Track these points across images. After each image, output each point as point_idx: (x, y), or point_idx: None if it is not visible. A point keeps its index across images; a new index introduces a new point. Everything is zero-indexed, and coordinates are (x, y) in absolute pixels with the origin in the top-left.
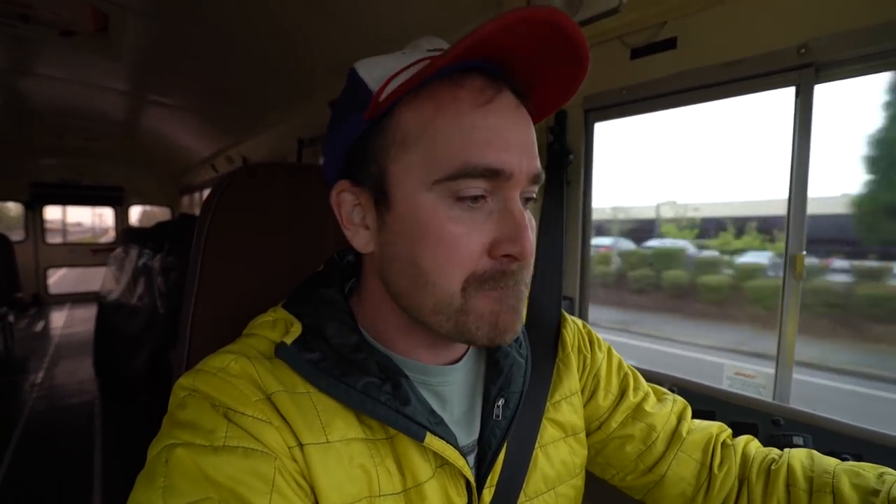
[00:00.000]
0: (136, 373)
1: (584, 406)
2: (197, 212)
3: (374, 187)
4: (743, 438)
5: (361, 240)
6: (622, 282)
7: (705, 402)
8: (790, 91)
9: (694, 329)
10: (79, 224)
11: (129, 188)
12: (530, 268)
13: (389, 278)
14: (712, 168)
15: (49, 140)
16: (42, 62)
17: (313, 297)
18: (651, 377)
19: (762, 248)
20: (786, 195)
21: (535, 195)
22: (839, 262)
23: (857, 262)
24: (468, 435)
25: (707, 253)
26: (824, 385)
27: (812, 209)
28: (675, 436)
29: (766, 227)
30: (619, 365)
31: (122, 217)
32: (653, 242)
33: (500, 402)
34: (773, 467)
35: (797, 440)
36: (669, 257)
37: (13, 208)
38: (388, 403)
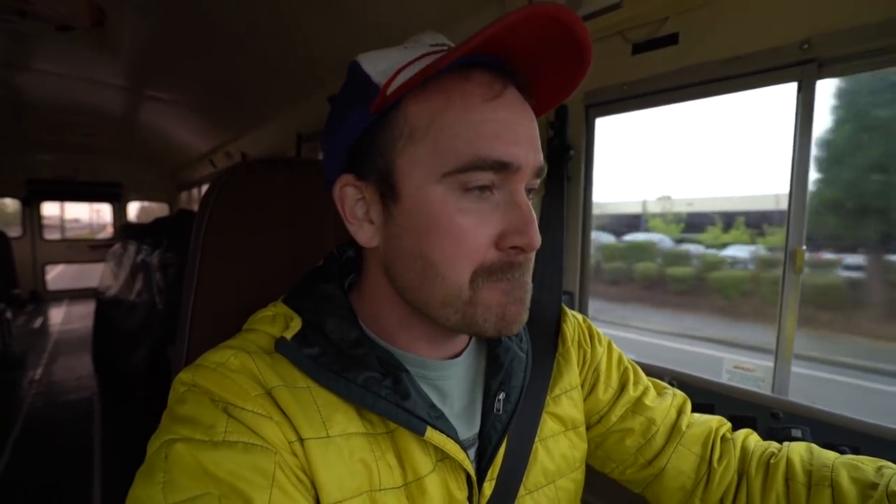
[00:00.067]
0: (135, 369)
1: (584, 400)
2: (195, 207)
3: (379, 181)
4: (742, 432)
5: (366, 234)
6: (597, 273)
7: (704, 396)
8: (782, 88)
9: (656, 317)
10: (76, 220)
11: (127, 184)
12: (533, 260)
13: (395, 272)
14: (705, 164)
15: (46, 136)
16: (39, 57)
17: (313, 293)
18: (650, 371)
19: (749, 243)
20: (772, 191)
21: (537, 186)
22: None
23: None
24: (469, 429)
25: (687, 246)
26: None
27: (770, 206)
28: (674, 430)
29: (755, 222)
30: (620, 359)
31: (120, 213)
32: (632, 236)
33: (500, 397)
34: (772, 461)
35: (796, 433)
36: (642, 250)
37: (10, 204)
38: (389, 398)
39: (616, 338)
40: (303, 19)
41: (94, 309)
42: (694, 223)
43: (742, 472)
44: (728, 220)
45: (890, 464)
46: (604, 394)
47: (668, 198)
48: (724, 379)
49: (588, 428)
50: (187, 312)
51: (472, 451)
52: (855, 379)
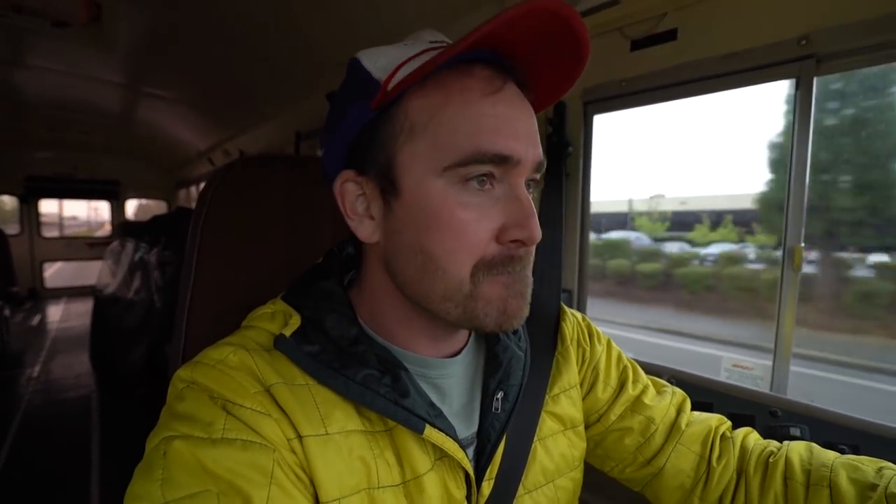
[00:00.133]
0: (133, 367)
1: (583, 399)
2: (194, 206)
3: (380, 176)
4: (742, 431)
5: (366, 230)
6: None
7: (703, 394)
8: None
9: (622, 310)
10: (74, 218)
11: (125, 182)
12: (533, 255)
13: (396, 267)
14: (703, 163)
15: (44, 133)
16: (35, 54)
17: (312, 290)
18: (649, 369)
19: (736, 241)
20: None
21: (538, 179)
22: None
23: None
24: (467, 428)
25: (668, 244)
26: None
27: (730, 205)
28: (673, 428)
29: (743, 220)
30: (619, 358)
31: (118, 211)
32: (611, 234)
33: (499, 395)
34: (770, 460)
35: (794, 431)
36: (616, 247)
37: (8, 202)
38: (388, 395)
39: None
40: (302, 17)
41: (92, 307)
42: (683, 221)
43: (741, 471)
44: (718, 218)
45: (891, 465)
46: (603, 392)
47: (662, 196)
48: (722, 377)
49: (587, 427)
50: (184, 310)
51: (470, 450)
52: (798, 367)
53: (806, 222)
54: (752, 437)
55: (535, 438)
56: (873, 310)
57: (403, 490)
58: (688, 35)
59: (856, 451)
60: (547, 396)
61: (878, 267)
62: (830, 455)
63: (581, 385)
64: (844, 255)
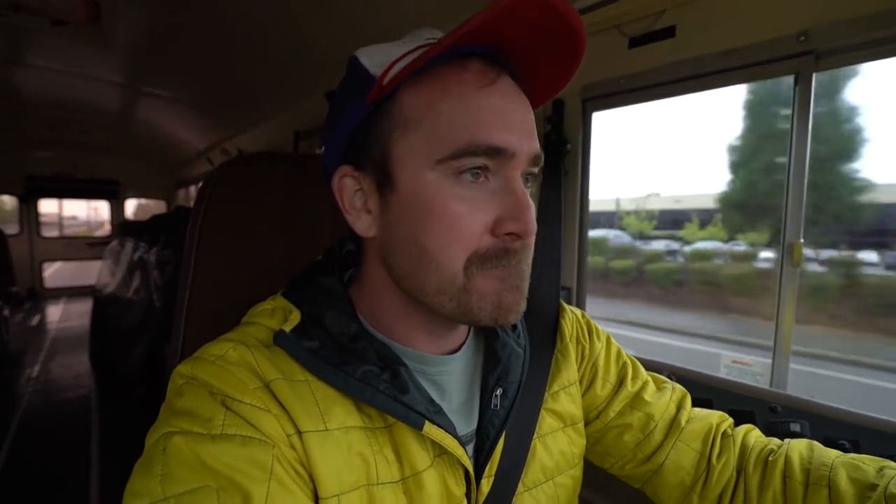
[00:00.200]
0: (133, 366)
1: (583, 395)
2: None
3: (376, 170)
4: (743, 428)
5: (363, 224)
6: None
7: (703, 391)
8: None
9: (592, 305)
10: (74, 217)
11: (124, 181)
12: (531, 249)
13: (392, 261)
14: (698, 162)
15: (43, 132)
16: (35, 53)
17: (312, 286)
18: (648, 366)
19: (726, 240)
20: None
21: (536, 172)
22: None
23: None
24: (467, 425)
25: (654, 242)
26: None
27: (692, 204)
28: (673, 425)
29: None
30: (618, 354)
31: (117, 210)
32: (592, 233)
33: (497, 392)
34: (770, 458)
35: (794, 427)
36: (593, 245)
37: (8, 202)
38: (387, 392)
39: None
40: (301, 16)
41: (92, 306)
42: (676, 219)
43: (740, 469)
44: (710, 216)
45: (893, 464)
46: (602, 389)
47: (657, 194)
48: (722, 374)
49: (586, 423)
50: (182, 309)
51: (470, 447)
52: (756, 356)
53: (759, 220)
54: (753, 435)
55: (535, 436)
56: (822, 302)
57: (402, 486)
58: (686, 32)
59: (856, 447)
60: (546, 394)
61: (828, 262)
62: (831, 454)
63: (580, 382)
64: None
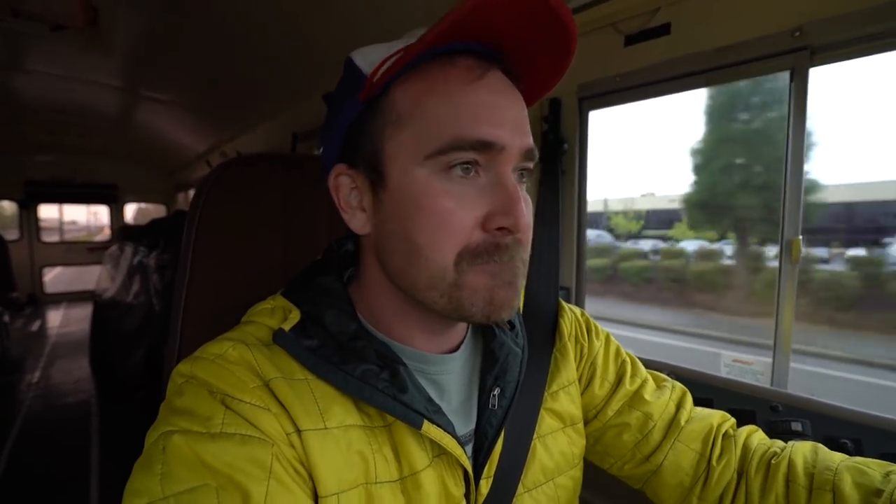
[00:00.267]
0: (133, 370)
1: (581, 395)
2: None
3: (369, 168)
4: (746, 429)
5: (358, 222)
6: None
7: (703, 390)
8: None
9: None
10: (74, 222)
11: (123, 185)
12: (526, 246)
13: (385, 258)
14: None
15: (42, 137)
16: (34, 58)
17: (312, 285)
18: (647, 365)
19: (716, 239)
20: None
21: (531, 167)
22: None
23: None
24: (466, 425)
25: (641, 242)
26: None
27: (658, 205)
28: (672, 424)
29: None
30: (617, 352)
31: (117, 215)
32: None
33: (495, 392)
34: (773, 461)
35: (796, 426)
36: None
37: (8, 207)
38: (386, 390)
39: None
40: (299, 16)
41: (92, 311)
42: (668, 219)
43: (742, 471)
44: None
45: None
46: (600, 388)
47: (653, 194)
48: (722, 373)
49: (586, 423)
50: (179, 310)
51: (469, 448)
52: (715, 348)
53: (719, 219)
54: (755, 437)
55: (535, 436)
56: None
57: (401, 486)
58: (681, 29)
59: (858, 445)
60: (546, 393)
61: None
62: (836, 457)
63: (579, 381)
64: (755, 247)
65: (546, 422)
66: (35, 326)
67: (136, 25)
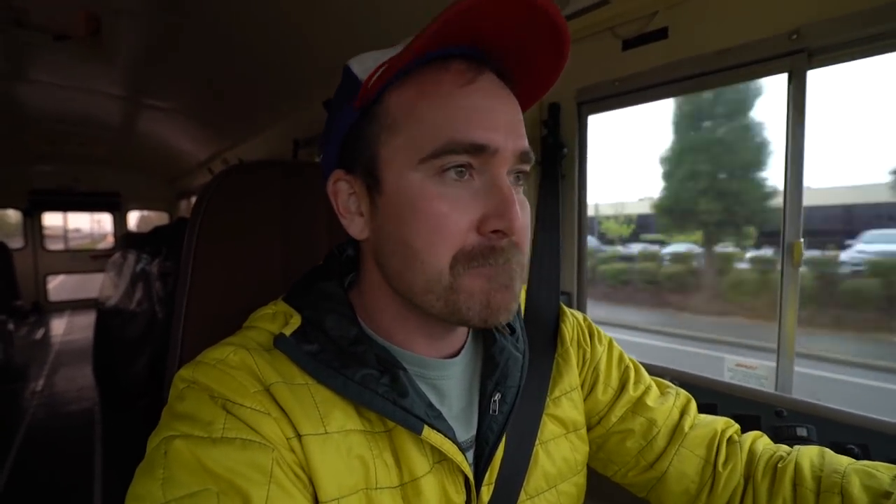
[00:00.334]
0: (136, 378)
1: (584, 401)
2: None
3: (366, 173)
4: (751, 435)
5: (357, 227)
6: None
7: (707, 395)
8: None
9: None
10: (77, 230)
11: (126, 193)
12: (523, 248)
13: (382, 261)
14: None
15: (46, 147)
16: (37, 68)
17: (313, 291)
18: (651, 370)
19: (703, 243)
20: None
21: (527, 170)
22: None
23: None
24: (467, 431)
25: (632, 245)
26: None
27: (633, 210)
28: (676, 431)
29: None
30: (620, 358)
31: (120, 222)
32: None
33: (496, 397)
34: (780, 465)
35: (801, 431)
36: None
37: (12, 216)
38: (386, 395)
39: None
40: (301, 25)
41: (95, 319)
42: (640, 224)
43: (748, 477)
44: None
45: None
46: (603, 394)
47: (651, 199)
48: (725, 378)
49: (588, 429)
50: (180, 317)
51: (470, 454)
52: (687, 347)
53: (685, 224)
54: (761, 442)
55: (537, 442)
56: (740, 296)
57: (401, 492)
58: (679, 33)
59: (865, 451)
60: (548, 399)
61: (752, 260)
62: (843, 461)
63: (582, 386)
64: (720, 250)
65: (548, 427)
66: (39, 334)
67: (138, 34)
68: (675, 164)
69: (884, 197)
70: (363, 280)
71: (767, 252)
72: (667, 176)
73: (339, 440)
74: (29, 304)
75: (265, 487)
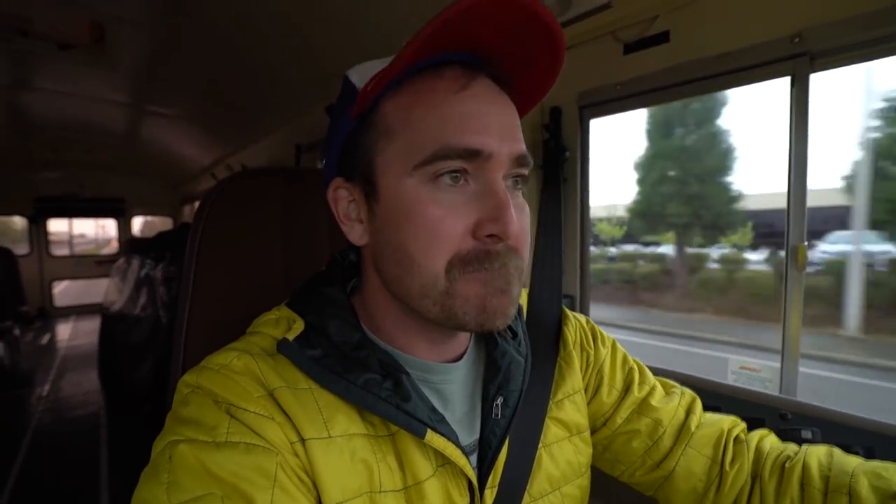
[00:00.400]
0: (141, 382)
1: (588, 403)
2: None
3: (363, 180)
4: (758, 433)
5: (356, 233)
6: None
7: (711, 398)
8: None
9: None
10: (82, 235)
11: (130, 199)
12: (521, 253)
13: (381, 266)
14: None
15: (51, 154)
16: (42, 76)
17: (316, 296)
18: (655, 373)
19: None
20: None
21: (525, 174)
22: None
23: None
24: (470, 435)
25: (625, 246)
26: None
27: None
28: (682, 430)
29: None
30: (624, 359)
31: (124, 228)
32: None
33: (498, 401)
34: (787, 465)
35: (806, 434)
36: None
37: (18, 222)
38: (389, 399)
39: None
40: (303, 31)
41: (100, 324)
42: (631, 225)
43: (756, 476)
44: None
45: None
46: (608, 396)
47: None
48: (729, 380)
49: (594, 431)
50: (183, 322)
51: (473, 458)
52: (661, 342)
53: (656, 226)
54: (768, 441)
55: (540, 445)
56: (707, 293)
57: (405, 496)
58: (680, 37)
59: (871, 454)
60: (551, 402)
61: (719, 260)
62: (852, 461)
63: (585, 389)
64: (691, 250)
65: (551, 431)
66: (45, 340)
67: (141, 42)
68: (649, 169)
69: (837, 200)
70: (365, 285)
71: (735, 252)
72: (640, 183)
73: (342, 444)
74: (35, 309)
75: (269, 491)
